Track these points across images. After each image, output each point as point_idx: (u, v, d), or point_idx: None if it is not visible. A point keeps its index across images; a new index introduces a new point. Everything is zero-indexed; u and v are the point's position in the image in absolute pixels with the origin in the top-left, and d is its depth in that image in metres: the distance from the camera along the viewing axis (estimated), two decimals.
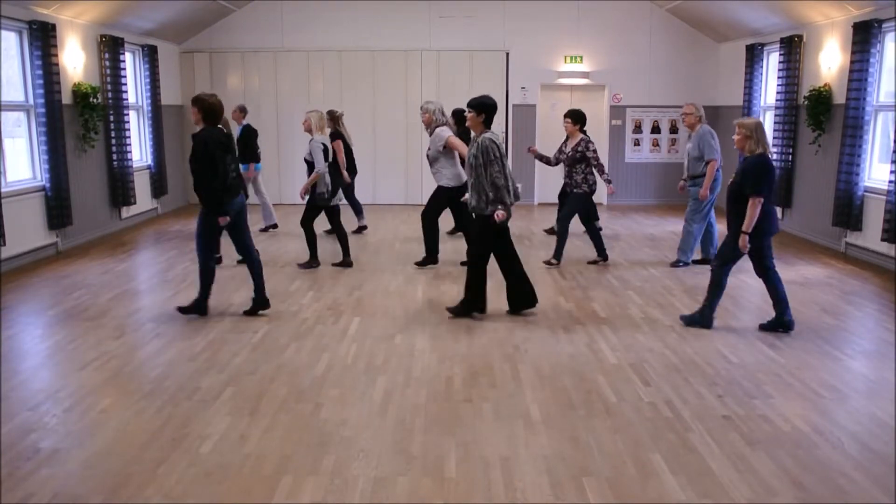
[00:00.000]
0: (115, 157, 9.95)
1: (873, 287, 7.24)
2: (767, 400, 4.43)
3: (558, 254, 7.98)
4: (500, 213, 5.78)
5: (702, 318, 5.83)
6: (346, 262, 7.94)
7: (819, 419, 4.16)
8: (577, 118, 7.96)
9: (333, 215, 7.93)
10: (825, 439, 3.91)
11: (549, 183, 12.36)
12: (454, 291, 6.96)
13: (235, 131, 9.77)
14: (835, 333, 5.75)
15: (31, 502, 3.29)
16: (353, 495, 3.35)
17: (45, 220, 8.51)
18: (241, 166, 9.59)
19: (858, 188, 8.45)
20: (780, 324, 5.73)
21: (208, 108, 5.82)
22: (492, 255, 6.06)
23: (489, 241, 5.98)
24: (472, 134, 6.00)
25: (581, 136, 7.91)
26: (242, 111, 9.94)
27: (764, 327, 5.79)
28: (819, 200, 9.35)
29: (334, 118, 9.50)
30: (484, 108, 5.83)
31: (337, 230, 7.98)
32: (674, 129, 12.80)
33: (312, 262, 7.92)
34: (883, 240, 7.93)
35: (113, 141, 9.90)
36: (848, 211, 8.56)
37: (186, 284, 7.18)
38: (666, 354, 5.24)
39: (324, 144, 7.74)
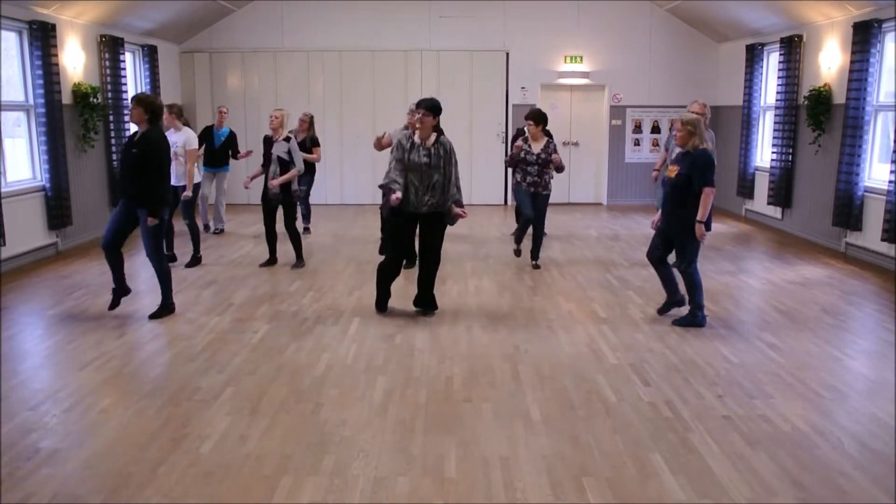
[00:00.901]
0: (115, 157, 9.94)
1: (873, 287, 7.24)
2: (767, 400, 4.43)
3: (537, 253, 8.03)
4: (463, 211, 5.94)
5: (693, 319, 5.87)
6: (299, 263, 8.01)
7: (819, 419, 4.16)
8: (538, 119, 7.71)
9: (271, 216, 7.95)
10: (825, 439, 3.91)
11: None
12: (454, 292, 6.96)
13: (199, 131, 9.89)
14: (835, 333, 5.75)
15: (31, 502, 3.29)
16: (353, 495, 3.35)
17: (45, 220, 8.51)
18: (222, 168, 9.80)
19: (858, 188, 8.45)
20: (693, 321, 5.87)
21: (156, 108, 5.93)
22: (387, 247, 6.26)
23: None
24: (420, 133, 5.89)
25: (546, 136, 7.83)
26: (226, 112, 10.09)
27: (678, 323, 5.92)
28: (819, 200, 9.35)
29: (312, 122, 9.55)
30: (438, 111, 5.89)
31: (288, 229, 8.00)
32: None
33: (300, 262, 7.97)
34: (883, 240, 7.93)
35: (113, 141, 9.89)
36: (848, 211, 8.56)
37: (186, 284, 7.18)
38: (666, 354, 5.24)
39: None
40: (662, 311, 6.15)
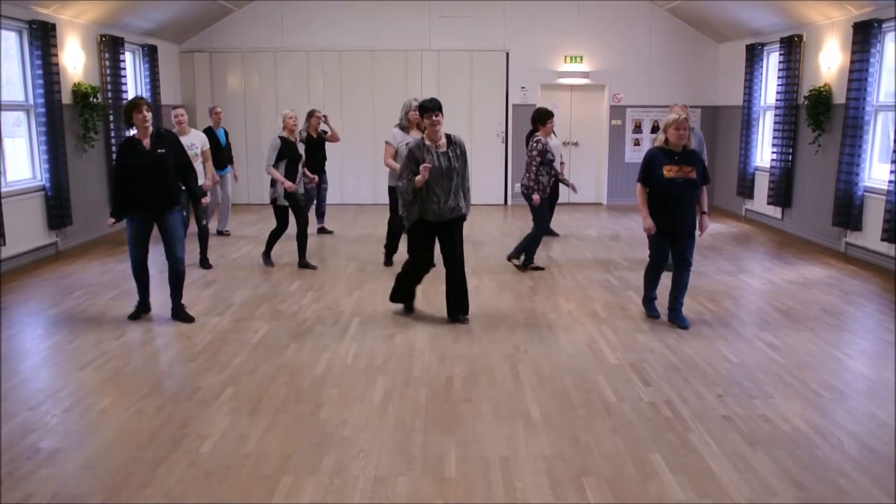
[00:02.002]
0: (114, 157, 9.93)
1: (873, 287, 7.24)
2: (767, 400, 4.43)
3: (521, 252, 8.00)
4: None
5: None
6: (304, 263, 7.97)
7: (819, 419, 4.16)
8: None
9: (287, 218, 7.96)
10: (825, 439, 3.91)
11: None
12: None
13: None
14: (835, 333, 5.75)
15: (31, 502, 3.29)
16: (353, 495, 3.35)
17: (45, 220, 8.51)
18: (226, 169, 9.79)
19: (858, 188, 8.45)
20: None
21: None
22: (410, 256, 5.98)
23: None
24: (433, 136, 5.61)
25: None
26: None
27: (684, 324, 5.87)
28: (819, 200, 9.35)
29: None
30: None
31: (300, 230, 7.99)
32: None
33: (309, 263, 7.98)
34: (883, 240, 7.93)
35: (113, 141, 9.88)
36: (848, 211, 8.56)
37: (186, 284, 7.15)
38: (666, 354, 5.24)
39: None
40: (677, 315, 5.90)
